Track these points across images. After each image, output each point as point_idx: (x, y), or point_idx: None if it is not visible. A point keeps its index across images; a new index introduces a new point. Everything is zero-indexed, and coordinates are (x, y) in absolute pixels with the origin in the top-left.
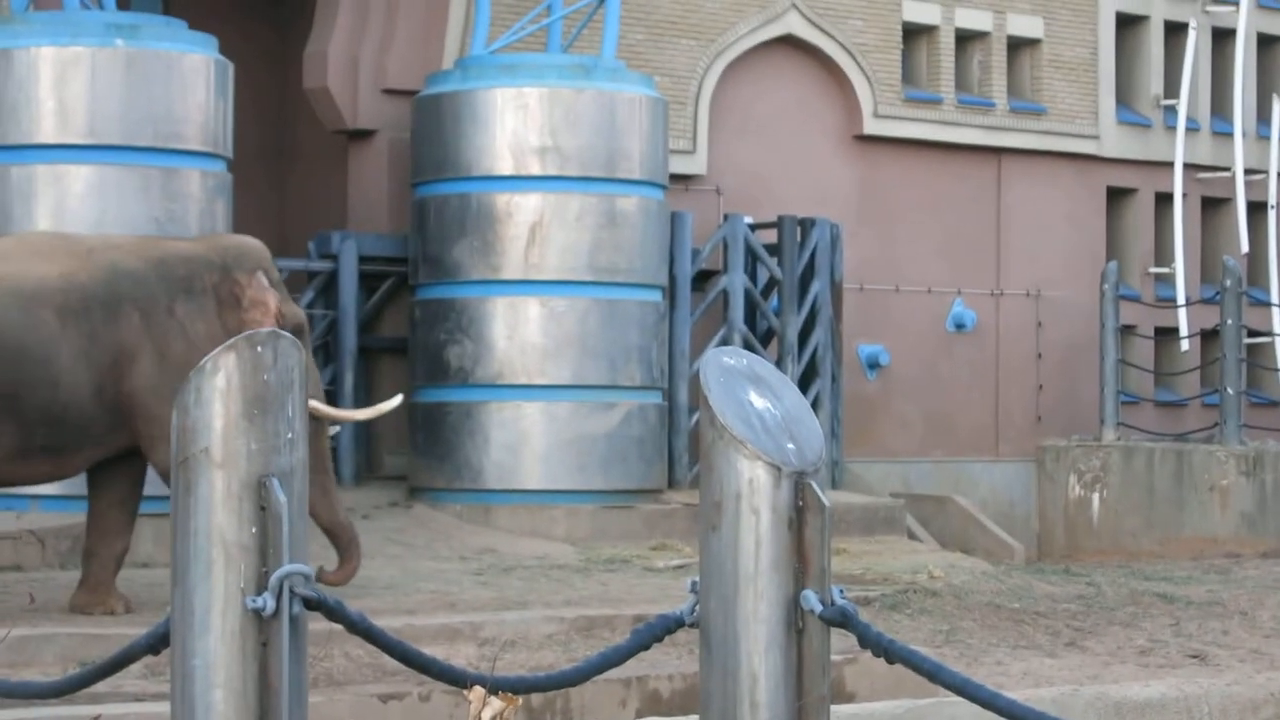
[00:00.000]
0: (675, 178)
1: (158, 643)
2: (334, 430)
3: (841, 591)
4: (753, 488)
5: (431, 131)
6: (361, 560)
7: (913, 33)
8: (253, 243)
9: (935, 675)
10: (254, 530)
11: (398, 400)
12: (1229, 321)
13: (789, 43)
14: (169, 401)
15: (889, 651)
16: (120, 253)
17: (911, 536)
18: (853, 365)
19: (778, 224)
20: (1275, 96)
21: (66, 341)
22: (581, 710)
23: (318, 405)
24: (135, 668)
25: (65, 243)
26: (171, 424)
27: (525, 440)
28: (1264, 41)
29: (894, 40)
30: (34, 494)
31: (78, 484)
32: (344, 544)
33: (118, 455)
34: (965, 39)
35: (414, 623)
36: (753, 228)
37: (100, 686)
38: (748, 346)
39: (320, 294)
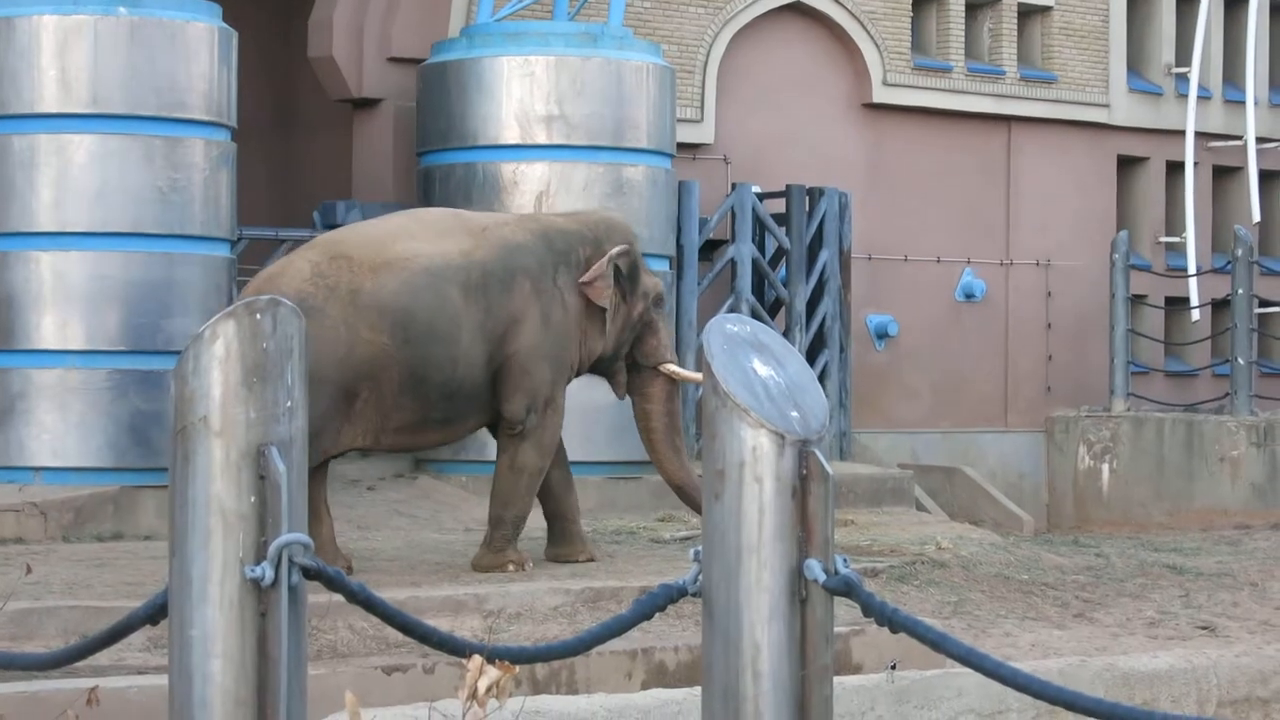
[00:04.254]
0: (683, 146)
1: (156, 613)
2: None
3: (845, 561)
4: (756, 456)
5: (437, 100)
6: None
7: None
8: (619, 219)
9: (940, 645)
10: (253, 499)
11: None
12: (1240, 291)
13: (797, 10)
14: (544, 361)
15: (892, 621)
16: (510, 228)
17: (919, 508)
18: (861, 335)
19: (786, 193)
20: None
21: (468, 319)
22: (587, 682)
23: (674, 368)
24: (138, 640)
25: (461, 221)
26: (171, 393)
27: None
28: (1277, 8)
29: (903, 7)
30: (36, 466)
31: (79, 457)
32: (696, 500)
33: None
34: (975, 6)
35: (419, 594)
36: (760, 197)
37: (102, 659)
38: (755, 316)
39: None
